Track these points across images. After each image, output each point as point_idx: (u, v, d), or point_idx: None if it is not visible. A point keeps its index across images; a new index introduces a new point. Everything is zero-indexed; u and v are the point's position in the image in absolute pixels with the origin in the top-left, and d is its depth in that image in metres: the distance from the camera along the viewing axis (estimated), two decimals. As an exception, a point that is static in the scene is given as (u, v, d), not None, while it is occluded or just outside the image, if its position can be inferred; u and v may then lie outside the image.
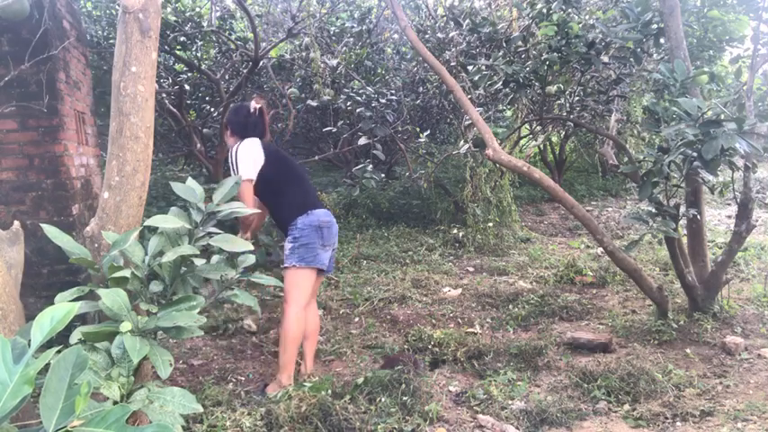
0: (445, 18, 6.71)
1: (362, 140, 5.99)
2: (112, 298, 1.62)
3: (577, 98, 5.33)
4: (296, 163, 3.23)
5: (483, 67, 4.74)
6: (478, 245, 6.57)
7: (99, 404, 1.38)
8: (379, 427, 2.50)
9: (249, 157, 2.91)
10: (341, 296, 4.74)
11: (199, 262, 1.92)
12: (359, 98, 6.12)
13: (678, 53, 3.66)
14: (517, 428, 2.63)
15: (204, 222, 1.99)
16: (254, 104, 3.10)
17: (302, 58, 6.75)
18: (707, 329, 3.60)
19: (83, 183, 3.79)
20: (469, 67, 4.98)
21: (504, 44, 5.27)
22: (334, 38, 7.41)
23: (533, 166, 4.25)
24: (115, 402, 1.46)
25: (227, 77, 6.67)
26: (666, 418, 2.66)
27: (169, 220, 1.87)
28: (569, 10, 4.48)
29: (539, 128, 6.76)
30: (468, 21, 5.58)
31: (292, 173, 3.07)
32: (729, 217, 7.68)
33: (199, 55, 6.39)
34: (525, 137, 8.12)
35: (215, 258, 2.06)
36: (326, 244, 3.00)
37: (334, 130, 6.55)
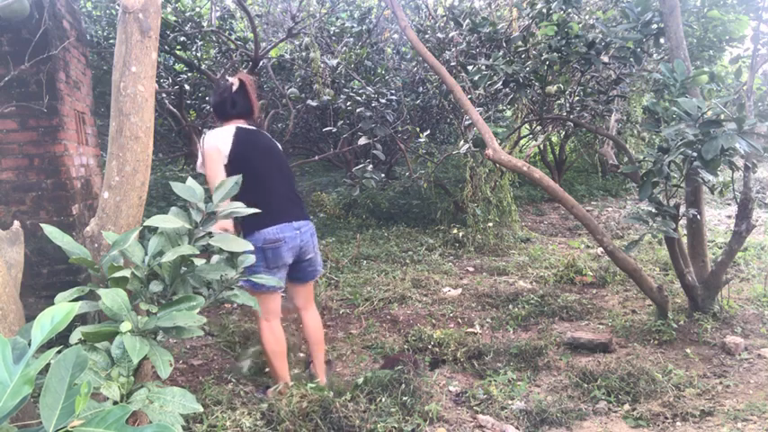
0: (445, 18, 6.72)
1: (362, 140, 5.99)
2: (112, 298, 1.61)
3: (577, 98, 5.33)
4: (272, 160, 2.87)
5: (483, 67, 4.74)
6: (478, 245, 6.57)
7: (99, 404, 1.38)
8: (378, 426, 2.51)
9: (212, 144, 2.72)
10: (341, 296, 4.74)
11: (199, 262, 1.92)
12: (359, 98, 6.12)
13: (678, 53, 3.66)
14: (517, 428, 2.63)
15: (204, 222, 1.99)
16: (231, 80, 2.92)
17: (302, 58, 6.75)
18: (707, 329, 3.60)
19: (83, 183, 3.79)
20: (469, 67, 4.98)
21: (504, 44, 5.28)
22: (334, 38, 7.41)
23: (533, 166, 4.25)
24: (115, 402, 1.45)
25: (227, 77, 6.66)
26: (666, 418, 2.66)
27: (169, 220, 1.86)
28: (569, 10, 4.48)
29: (539, 128, 6.76)
30: (468, 21, 5.58)
31: (251, 178, 2.62)
32: (729, 217, 7.68)
33: (199, 55, 6.39)
34: (525, 137, 8.12)
35: (215, 258, 2.06)
36: (273, 266, 2.76)
37: (335, 130, 6.56)
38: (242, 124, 2.88)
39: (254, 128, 2.94)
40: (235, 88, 2.89)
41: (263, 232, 2.72)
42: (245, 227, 2.78)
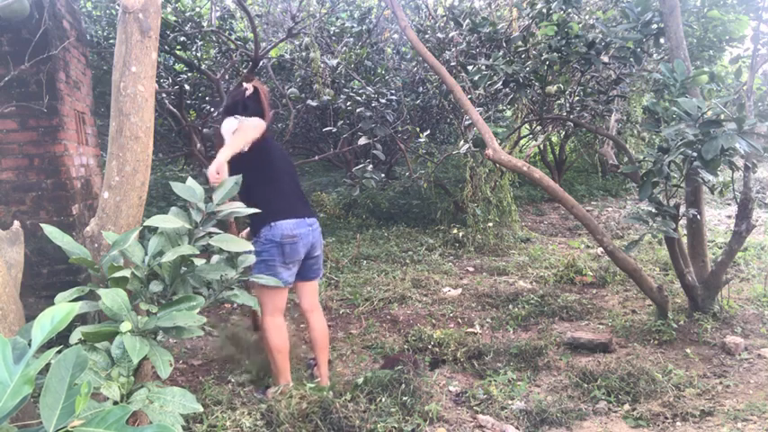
0: (445, 18, 6.72)
1: (362, 140, 5.99)
2: (112, 298, 1.62)
3: (577, 98, 5.33)
4: (279, 160, 2.95)
5: (483, 67, 4.74)
6: (478, 245, 6.57)
7: (99, 404, 1.38)
8: (378, 426, 2.51)
9: (253, 121, 2.77)
10: (341, 296, 4.74)
11: (199, 262, 1.92)
12: (359, 98, 6.12)
13: (678, 53, 3.66)
14: (517, 428, 2.63)
15: (204, 222, 1.99)
16: (246, 85, 2.97)
17: (302, 58, 6.75)
18: (707, 329, 3.60)
19: (83, 183, 3.79)
20: (469, 67, 4.98)
21: (504, 44, 5.27)
22: (334, 38, 7.41)
23: (533, 166, 4.25)
24: (115, 402, 1.46)
25: (227, 77, 6.67)
26: (666, 418, 2.66)
27: (169, 220, 1.86)
28: (569, 10, 4.48)
29: (539, 128, 6.76)
30: (468, 21, 5.58)
31: (266, 173, 2.81)
32: (729, 217, 7.68)
33: (199, 55, 6.38)
34: (525, 137, 8.12)
35: (215, 258, 2.06)
36: (289, 261, 2.79)
37: (334, 130, 6.55)
38: None
39: None
40: (248, 93, 2.95)
41: (280, 226, 2.76)
42: (257, 220, 2.78)
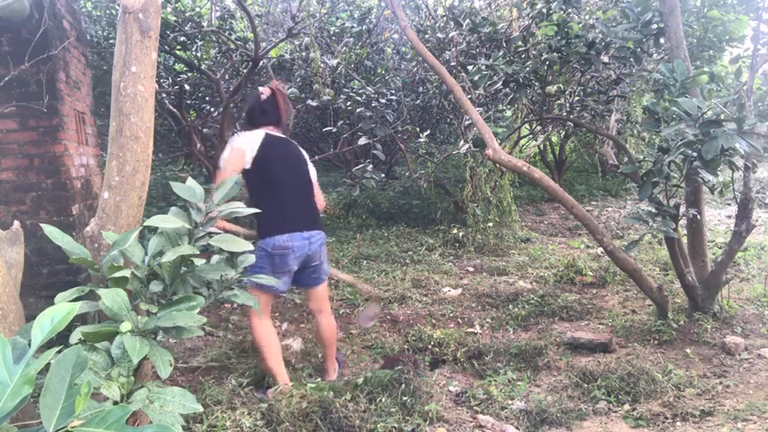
0: (445, 18, 6.72)
1: (362, 140, 5.99)
2: (112, 298, 1.61)
3: (577, 98, 5.33)
4: (281, 170, 2.91)
5: (483, 67, 4.74)
6: (478, 245, 6.57)
7: (99, 404, 1.38)
8: (378, 426, 2.51)
9: (241, 145, 2.83)
10: (341, 296, 4.74)
11: (199, 262, 1.92)
12: (359, 98, 6.12)
13: (678, 53, 3.66)
14: (517, 428, 2.63)
15: (204, 222, 1.99)
16: (262, 89, 3.03)
17: (302, 58, 6.75)
18: (707, 329, 3.60)
19: (83, 183, 3.79)
20: (469, 67, 4.98)
21: (504, 44, 5.28)
22: (334, 38, 7.41)
23: (533, 166, 4.24)
24: (115, 402, 1.45)
25: (227, 77, 6.67)
26: (666, 418, 2.66)
27: (169, 220, 1.86)
28: (569, 10, 4.48)
29: (539, 128, 6.75)
30: (468, 21, 5.58)
31: (264, 185, 2.86)
32: (729, 217, 7.68)
33: (199, 55, 6.38)
34: (525, 137, 8.12)
35: (215, 258, 2.06)
36: (278, 271, 2.84)
37: (334, 130, 6.55)
38: (271, 131, 2.97)
39: (282, 136, 3.04)
40: (264, 97, 3.00)
41: (276, 239, 2.82)
42: (260, 231, 2.88)
